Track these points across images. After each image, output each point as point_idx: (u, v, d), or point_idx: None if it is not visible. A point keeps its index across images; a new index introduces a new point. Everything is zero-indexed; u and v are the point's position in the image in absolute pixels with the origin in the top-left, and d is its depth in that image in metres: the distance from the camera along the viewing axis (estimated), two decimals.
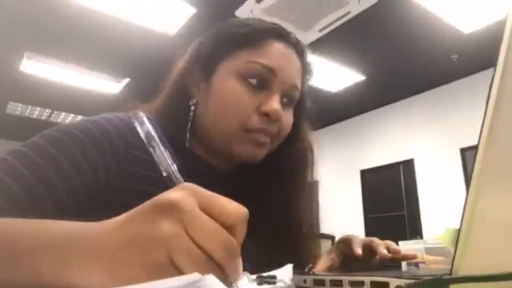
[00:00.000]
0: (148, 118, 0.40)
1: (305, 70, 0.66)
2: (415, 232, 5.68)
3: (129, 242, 0.29)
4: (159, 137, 0.39)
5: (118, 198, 0.51)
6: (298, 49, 0.63)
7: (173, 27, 4.14)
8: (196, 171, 0.50)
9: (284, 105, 0.60)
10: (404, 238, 5.01)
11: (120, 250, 0.29)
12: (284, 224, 0.65)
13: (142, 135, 0.39)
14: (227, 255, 0.29)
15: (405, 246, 1.76)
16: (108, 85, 5.49)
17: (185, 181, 0.37)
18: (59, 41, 4.43)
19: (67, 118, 6.70)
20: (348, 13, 3.89)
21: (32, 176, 0.46)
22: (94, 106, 6.21)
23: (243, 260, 0.32)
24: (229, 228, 0.30)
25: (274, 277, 0.39)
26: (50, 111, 6.35)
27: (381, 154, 6.55)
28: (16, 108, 6.21)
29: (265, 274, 0.39)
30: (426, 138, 5.99)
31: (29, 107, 6.18)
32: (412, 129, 6.21)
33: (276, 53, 0.58)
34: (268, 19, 3.21)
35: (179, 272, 0.28)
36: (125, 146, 0.54)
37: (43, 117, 6.61)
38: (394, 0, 3.79)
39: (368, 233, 6.49)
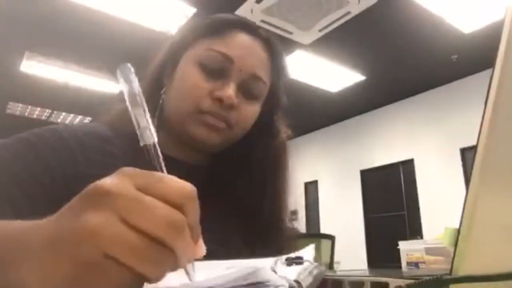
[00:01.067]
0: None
1: (277, 65, 0.65)
2: (415, 232, 5.68)
3: (56, 239, 0.26)
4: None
5: None
6: (267, 42, 0.64)
7: (173, 27, 4.14)
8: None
9: (244, 95, 0.61)
10: (404, 238, 5.01)
11: (47, 248, 0.26)
12: (256, 219, 0.64)
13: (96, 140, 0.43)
14: (173, 232, 0.26)
15: (405, 246, 1.76)
16: (108, 85, 5.49)
17: None
18: (59, 41, 4.43)
19: (67, 118, 6.70)
20: (348, 13, 3.89)
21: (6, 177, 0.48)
22: (94, 106, 6.21)
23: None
24: (177, 209, 0.27)
25: (301, 257, 0.42)
26: (50, 111, 6.35)
27: (381, 154, 6.55)
28: (16, 108, 6.21)
29: (293, 255, 0.43)
30: (426, 138, 5.99)
31: (29, 107, 6.18)
32: (412, 129, 6.21)
33: (236, 42, 0.60)
34: (268, 19, 3.21)
35: (118, 265, 0.25)
36: (81, 150, 0.56)
37: (43, 117, 6.61)
38: (394, 0, 3.79)
39: (368, 233, 6.50)
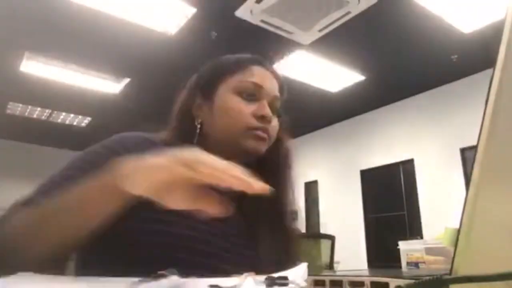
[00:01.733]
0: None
1: (282, 87, 0.84)
2: (415, 232, 5.68)
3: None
4: None
5: None
6: (273, 71, 0.83)
7: (173, 27, 4.14)
8: None
9: (271, 111, 0.78)
10: (404, 238, 5.01)
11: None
12: (278, 218, 0.78)
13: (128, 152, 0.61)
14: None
15: (405, 246, 1.76)
16: (108, 85, 5.49)
17: None
18: (59, 41, 4.43)
19: (67, 118, 6.71)
20: (348, 13, 3.89)
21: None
22: (94, 106, 6.21)
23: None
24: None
25: (285, 278, 0.36)
26: (50, 111, 6.35)
27: (381, 154, 6.55)
28: (16, 108, 6.22)
29: (275, 275, 0.37)
30: (426, 138, 5.99)
31: (29, 107, 6.18)
32: (412, 129, 6.21)
33: (259, 74, 0.79)
34: (268, 19, 3.20)
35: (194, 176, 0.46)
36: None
37: (43, 117, 6.61)
38: (394, 0, 3.80)
39: (368, 233, 6.50)
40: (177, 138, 0.77)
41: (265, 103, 0.76)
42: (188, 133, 0.77)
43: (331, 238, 3.22)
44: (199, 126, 0.78)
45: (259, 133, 0.75)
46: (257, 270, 0.43)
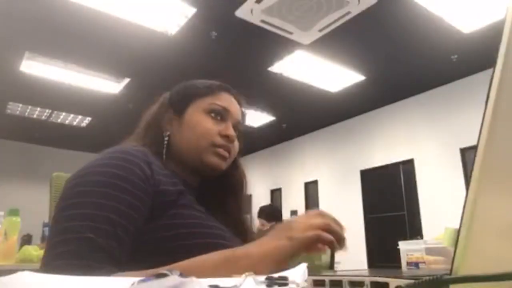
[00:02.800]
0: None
1: (243, 115, 0.94)
2: (415, 232, 5.68)
3: (275, 233, 0.64)
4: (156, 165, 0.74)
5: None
6: (238, 99, 0.93)
7: (173, 27, 4.14)
8: (179, 181, 0.78)
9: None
10: (404, 238, 5.01)
11: (270, 236, 0.64)
12: (238, 227, 0.88)
13: (148, 166, 0.71)
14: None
15: (405, 246, 1.76)
16: (108, 85, 5.49)
17: (181, 189, 0.75)
18: (59, 41, 4.43)
19: (67, 118, 6.71)
20: (348, 13, 3.89)
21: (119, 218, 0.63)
22: (94, 106, 6.22)
23: None
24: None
25: (285, 278, 0.37)
26: (50, 111, 6.35)
27: (381, 154, 6.55)
28: (16, 108, 6.22)
29: (275, 275, 0.38)
30: (426, 138, 6.00)
31: (29, 107, 6.18)
32: (412, 129, 6.21)
33: (227, 100, 0.89)
34: (268, 19, 3.20)
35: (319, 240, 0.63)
36: (148, 176, 0.72)
37: (43, 117, 6.61)
38: (394, 0, 3.80)
39: (368, 233, 6.50)
40: (149, 143, 0.83)
41: (230, 124, 0.86)
42: (156, 144, 0.84)
43: None
44: (166, 138, 0.86)
45: (222, 151, 0.83)
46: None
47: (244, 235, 0.87)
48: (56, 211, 0.60)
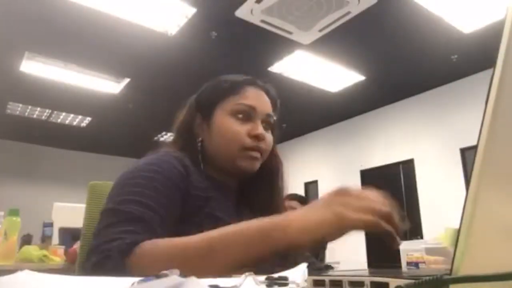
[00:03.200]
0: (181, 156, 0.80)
1: (275, 103, 0.92)
2: (415, 232, 5.68)
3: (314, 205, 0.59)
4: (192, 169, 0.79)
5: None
6: (266, 89, 0.90)
7: (173, 27, 4.14)
8: (215, 188, 0.81)
9: (264, 128, 0.86)
10: (404, 238, 5.01)
11: (311, 207, 0.59)
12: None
13: (184, 168, 0.77)
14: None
15: (405, 246, 1.76)
16: (108, 85, 5.49)
17: (211, 195, 0.79)
18: (59, 41, 4.43)
19: (67, 118, 6.71)
20: (348, 13, 3.89)
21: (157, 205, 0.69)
22: (94, 106, 6.21)
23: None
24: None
25: (285, 278, 0.37)
26: (50, 111, 6.35)
27: (381, 154, 6.54)
28: (16, 108, 6.21)
29: (275, 275, 0.38)
30: (426, 138, 5.99)
31: (29, 107, 6.18)
32: (412, 129, 6.21)
33: (252, 95, 0.86)
34: (268, 19, 3.19)
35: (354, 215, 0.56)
36: (186, 170, 0.79)
37: (43, 117, 6.61)
38: (394, 0, 3.80)
39: (368, 233, 6.48)
40: (185, 149, 0.85)
41: (259, 122, 0.84)
42: (191, 150, 0.85)
43: None
44: (200, 144, 0.87)
45: (253, 153, 0.83)
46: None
47: None
48: (108, 198, 0.71)
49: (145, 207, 0.66)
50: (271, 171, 0.91)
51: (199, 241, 0.58)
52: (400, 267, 1.74)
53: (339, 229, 0.54)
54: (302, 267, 0.42)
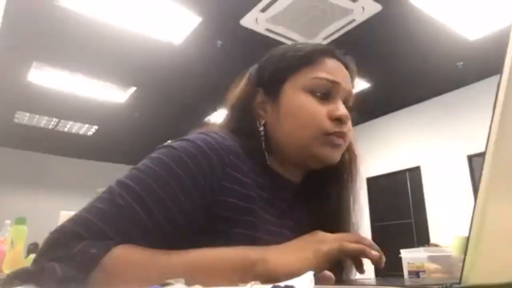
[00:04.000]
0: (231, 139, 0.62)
1: (354, 78, 0.75)
2: (423, 240, 5.62)
3: (300, 243, 0.54)
4: (243, 157, 0.62)
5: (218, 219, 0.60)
6: (346, 62, 0.72)
7: (179, 37, 4.18)
8: (274, 184, 0.66)
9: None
10: (412, 246, 4.95)
11: (294, 245, 0.54)
12: (335, 226, 0.71)
13: (232, 155, 0.59)
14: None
15: (407, 255, 1.73)
16: (114, 94, 5.53)
17: (265, 195, 0.63)
18: (66, 51, 4.48)
19: (74, 127, 6.76)
20: (353, 21, 3.90)
21: (154, 204, 0.54)
22: (101, 115, 6.26)
23: None
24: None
25: (292, 287, 0.36)
26: (57, 120, 6.41)
27: (387, 162, 6.51)
28: (24, 117, 6.28)
29: (282, 284, 0.37)
30: (433, 145, 5.96)
31: (37, 116, 6.24)
32: (418, 136, 6.18)
33: (333, 68, 0.68)
34: (273, 28, 3.21)
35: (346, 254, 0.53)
36: (222, 165, 0.61)
37: (50, 126, 6.66)
38: (399, 7, 3.80)
39: (374, 241, 6.42)
40: (240, 133, 0.68)
41: (340, 102, 0.67)
42: (249, 135, 0.67)
43: None
44: (262, 128, 0.68)
45: (335, 138, 0.65)
46: None
47: None
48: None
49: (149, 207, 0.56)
50: (341, 168, 0.73)
51: (180, 265, 0.50)
52: (403, 276, 1.72)
53: (317, 264, 0.50)
54: (309, 276, 0.41)
